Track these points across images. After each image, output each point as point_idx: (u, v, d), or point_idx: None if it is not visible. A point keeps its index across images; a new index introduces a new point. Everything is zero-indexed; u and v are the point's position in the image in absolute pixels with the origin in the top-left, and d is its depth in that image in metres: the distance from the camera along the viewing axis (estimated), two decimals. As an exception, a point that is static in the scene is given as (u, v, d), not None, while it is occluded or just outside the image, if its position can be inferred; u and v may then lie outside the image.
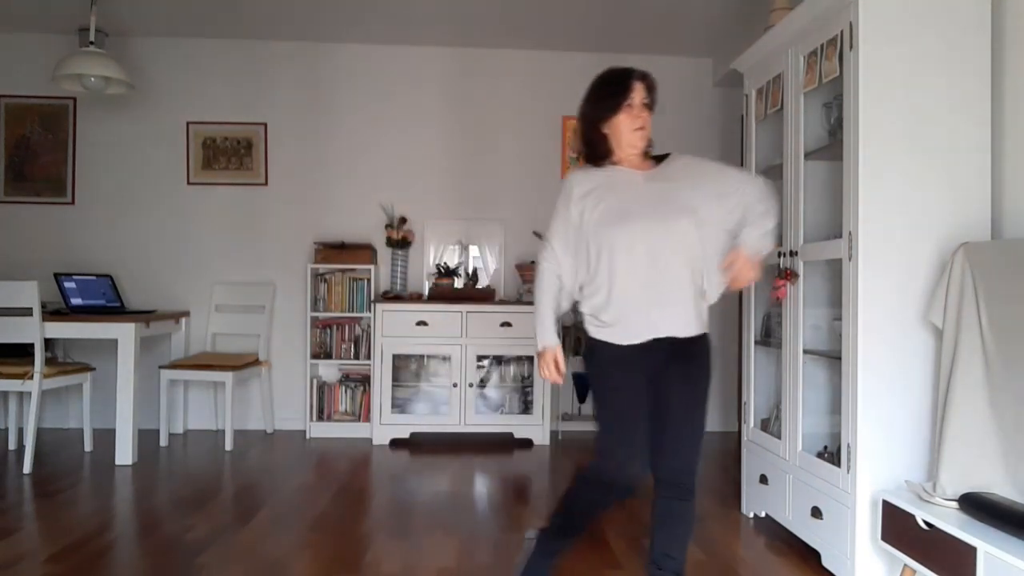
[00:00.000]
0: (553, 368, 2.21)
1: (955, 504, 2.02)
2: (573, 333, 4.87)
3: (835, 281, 2.75)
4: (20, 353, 3.98)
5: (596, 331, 2.10)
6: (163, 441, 4.55)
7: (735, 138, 5.11)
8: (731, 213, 2.06)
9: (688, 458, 2.07)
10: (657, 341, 2.03)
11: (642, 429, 2.05)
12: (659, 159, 2.19)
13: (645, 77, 2.13)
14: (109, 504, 3.32)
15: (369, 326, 4.78)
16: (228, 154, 5.03)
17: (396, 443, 4.61)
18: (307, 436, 4.77)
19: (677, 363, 2.06)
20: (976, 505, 1.94)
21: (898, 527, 2.10)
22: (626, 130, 2.09)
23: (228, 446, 4.42)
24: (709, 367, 2.12)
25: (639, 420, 2.05)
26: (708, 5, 4.32)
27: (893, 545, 2.13)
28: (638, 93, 2.10)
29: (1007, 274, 2.00)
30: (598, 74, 2.21)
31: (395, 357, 4.64)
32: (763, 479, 3.06)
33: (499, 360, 4.82)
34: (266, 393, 4.93)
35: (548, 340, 2.20)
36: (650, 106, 2.13)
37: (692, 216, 2.03)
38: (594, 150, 2.16)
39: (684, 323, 2.05)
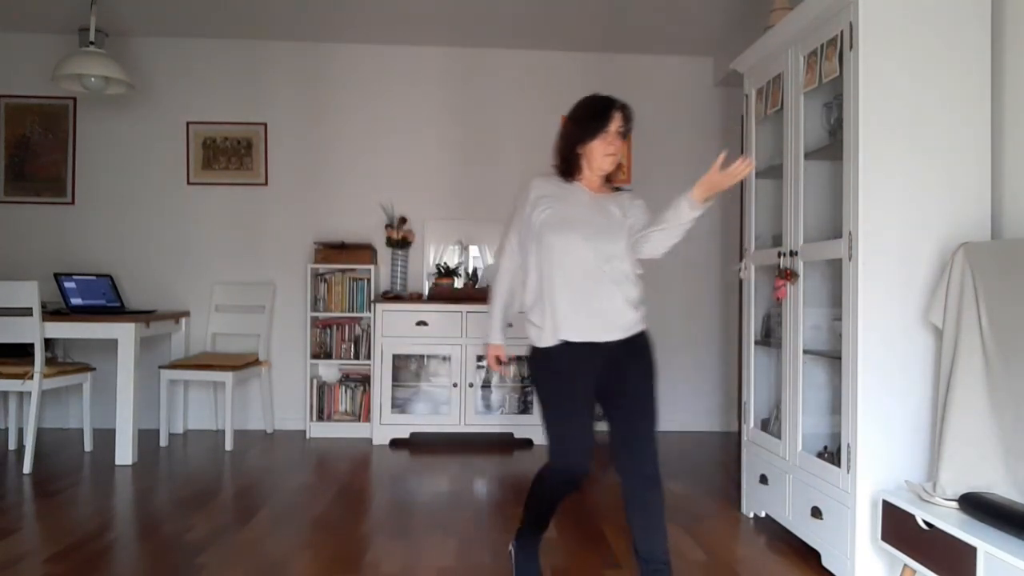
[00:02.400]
0: (495, 362, 2.46)
1: (955, 504, 2.02)
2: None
3: (835, 281, 2.75)
4: (20, 353, 3.98)
5: (532, 333, 2.26)
6: (163, 441, 4.55)
7: (735, 138, 5.11)
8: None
9: (649, 449, 2.18)
10: (595, 346, 2.18)
11: (587, 425, 2.19)
12: (617, 189, 2.42)
13: (624, 108, 2.31)
14: (109, 504, 3.32)
15: (369, 326, 4.79)
16: (228, 154, 5.03)
17: (396, 443, 4.62)
18: (307, 436, 4.77)
19: (619, 364, 2.20)
20: (976, 505, 1.94)
21: (898, 527, 2.10)
22: (599, 155, 2.28)
23: (228, 446, 4.42)
24: (652, 361, 2.26)
25: (582, 417, 2.19)
26: (708, 5, 4.32)
27: (893, 545, 2.13)
28: (616, 122, 2.27)
29: (1007, 274, 2.00)
30: (582, 98, 2.36)
31: (395, 357, 4.64)
32: (763, 479, 3.06)
33: (499, 360, 4.81)
34: (266, 393, 4.93)
35: (493, 339, 2.42)
36: (624, 134, 2.31)
37: (626, 236, 2.26)
38: (567, 166, 2.35)
39: (618, 328, 2.20)
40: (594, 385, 2.20)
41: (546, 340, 2.20)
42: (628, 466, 2.17)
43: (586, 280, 2.19)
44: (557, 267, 2.20)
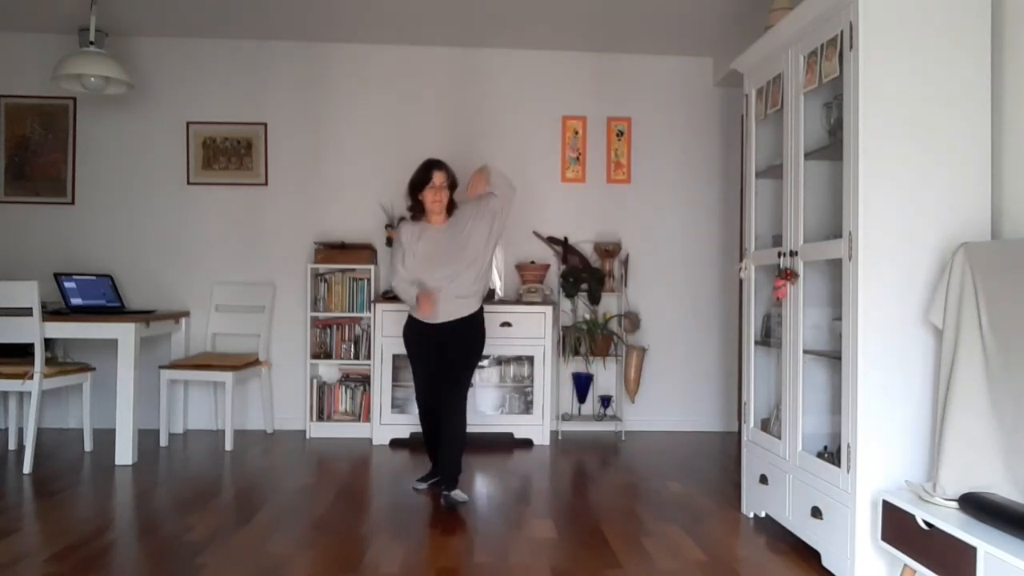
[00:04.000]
0: (427, 299, 3.38)
1: (955, 504, 2.02)
2: (573, 333, 4.87)
3: (835, 281, 2.75)
4: (20, 353, 3.98)
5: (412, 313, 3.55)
6: (163, 441, 4.55)
7: (735, 138, 5.12)
8: (492, 238, 3.48)
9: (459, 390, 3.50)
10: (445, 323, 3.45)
11: (432, 375, 3.53)
12: (451, 211, 3.49)
13: (444, 167, 3.45)
14: (109, 504, 3.32)
15: (369, 326, 4.79)
16: (228, 154, 5.03)
17: (396, 443, 4.61)
18: (307, 436, 4.77)
19: (455, 336, 3.47)
20: (976, 505, 1.94)
21: (898, 527, 2.10)
22: (429, 201, 3.43)
23: (228, 446, 4.42)
24: (477, 333, 3.54)
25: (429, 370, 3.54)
26: (708, 5, 4.32)
27: (893, 545, 2.13)
28: (438, 178, 3.41)
29: (1007, 274, 2.00)
30: (422, 162, 3.48)
31: (395, 357, 4.63)
32: (763, 479, 3.06)
33: (499, 360, 4.82)
34: (266, 393, 4.94)
35: (420, 291, 3.44)
36: (451, 186, 3.46)
37: (472, 256, 3.44)
38: (414, 209, 3.50)
39: (464, 312, 3.46)
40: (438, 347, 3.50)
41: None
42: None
43: (446, 289, 3.44)
44: (429, 284, 3.44)
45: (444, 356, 3.47)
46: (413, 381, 3.69)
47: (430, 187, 3.39)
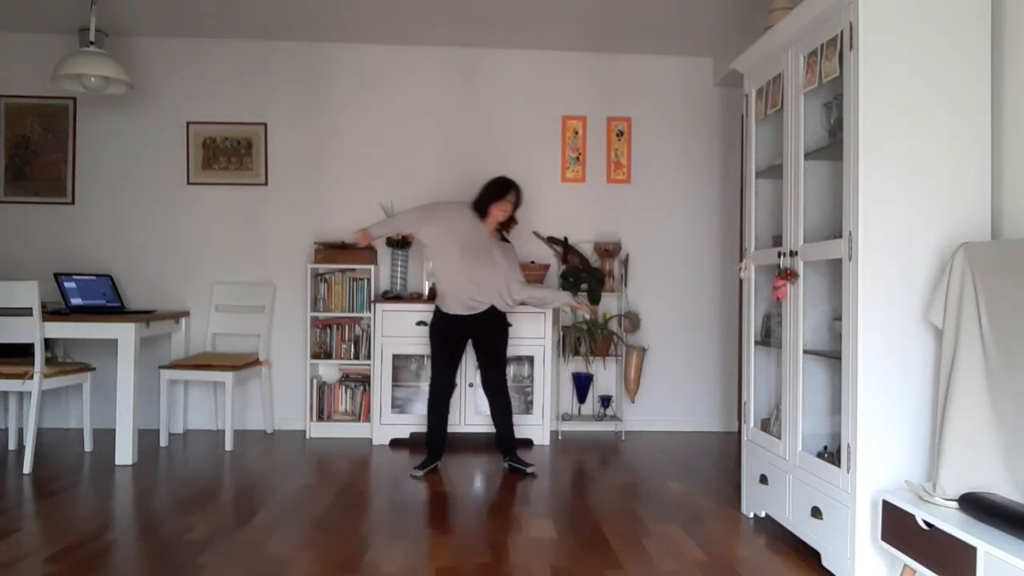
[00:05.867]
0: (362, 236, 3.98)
1: (955, 504, 2.02)
2: (573, 333, 4.87)
3: (835, 281, 2.75)
4: (20, 353, 3.98)
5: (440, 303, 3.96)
6: (163, 441, 4.55)
7: (735, 138, 5.12)
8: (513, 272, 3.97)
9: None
10: (467, 316, 3.90)
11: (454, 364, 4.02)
12: (503, 238, 4.02)
13: (518, 191, 3.94)
14: (109, 504, 3.32)
15: (369, 326, 4.79)
16: (228, 154, 5.03)
17: (396, 443, 4.62)
18: (307, 436, 4.77)
19: (479, 327, 3.94)
20: (976, 505, 1.94)
21: (898, 527, 2.10)
22: (497, 212, 3.91)
23: (228, 446, 4.42)
24: (500, 327, 4.01)
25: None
26: (708, 5, 4.32)
27: (893, 545, 2.13)
28: (512, 196, 3.90)
29: (1007, 274, 2.00)
30: (498, 177, 3.97)
31: (395, 357, 4.64)
32: (763, 479, 3.06)
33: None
34: (266, 393, 4.94)
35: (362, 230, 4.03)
36: (516, 205, 3.95)
37: (497, 265, 3.88)
38: (481, 209, 3.91)
39: (487, 307, 3.89)
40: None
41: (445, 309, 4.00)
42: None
43: (470, 283, 3.89)
44: (451, 273, 3.92)
45: (478, 341, 3.98)
46: (434, 369, 4.00)
47: (505, 200, 3.88)
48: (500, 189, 3.87)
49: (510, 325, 4.10)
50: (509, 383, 4.07)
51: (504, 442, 4.01)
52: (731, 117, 5.15)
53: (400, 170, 5.09)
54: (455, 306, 3.87)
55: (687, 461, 4.27)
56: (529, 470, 3.91)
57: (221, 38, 5.01)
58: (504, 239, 4.02)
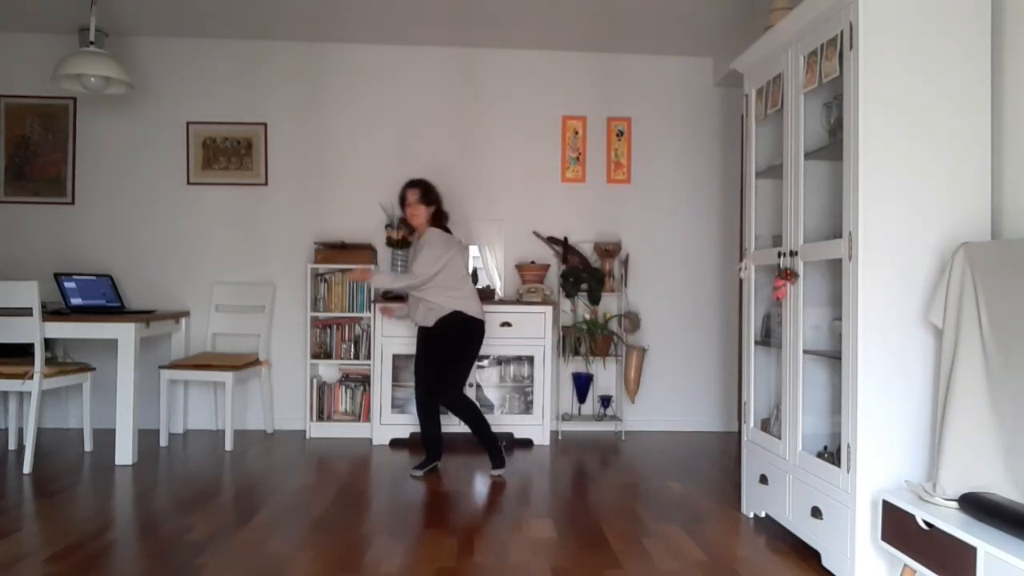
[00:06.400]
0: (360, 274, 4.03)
1: (955, 504, 2.02)
2: (573, 333, 4.87)
3: (835, 281, 2.75)
4: (20, 353, 3.98)
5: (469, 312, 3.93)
6: (163, 441, 4.55)
7: (735, 138, 5.12)
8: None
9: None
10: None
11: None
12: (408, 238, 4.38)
13: (403, 187, 4.02)
14: (109, 504, 3.32)
15: (369, 326, 4.78)
16: (228, 154, 5.03)
17: (396, 443, 4.61)
18: (307, 436, 4.77)
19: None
20: (976, 505, 1.94)
21: (898, 527, 2.10)
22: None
23: (228, 446, 4.42)
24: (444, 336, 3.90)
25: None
26: (708, 5, 4.32)
27: (893, 545, 2.13)
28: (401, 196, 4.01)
29: (1007, 274, 2.00)
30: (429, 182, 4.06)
31: (395, 357, 4.64)
32: (763, 479, 3.06)
33: (499, 360, 4.82)
34: (266, 393, 4.93)
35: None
36: (402, 202, 3.99)
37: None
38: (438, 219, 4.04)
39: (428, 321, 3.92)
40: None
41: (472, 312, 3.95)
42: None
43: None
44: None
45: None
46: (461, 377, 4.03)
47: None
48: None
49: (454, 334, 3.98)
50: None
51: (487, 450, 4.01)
52: (731, 117, 5.15)
53: (400, 170, 5.07)
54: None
55: (687, 461, 4.27)
56: (495, 472, 3.91)
57: (221, 38, 5.01)
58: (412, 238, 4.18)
